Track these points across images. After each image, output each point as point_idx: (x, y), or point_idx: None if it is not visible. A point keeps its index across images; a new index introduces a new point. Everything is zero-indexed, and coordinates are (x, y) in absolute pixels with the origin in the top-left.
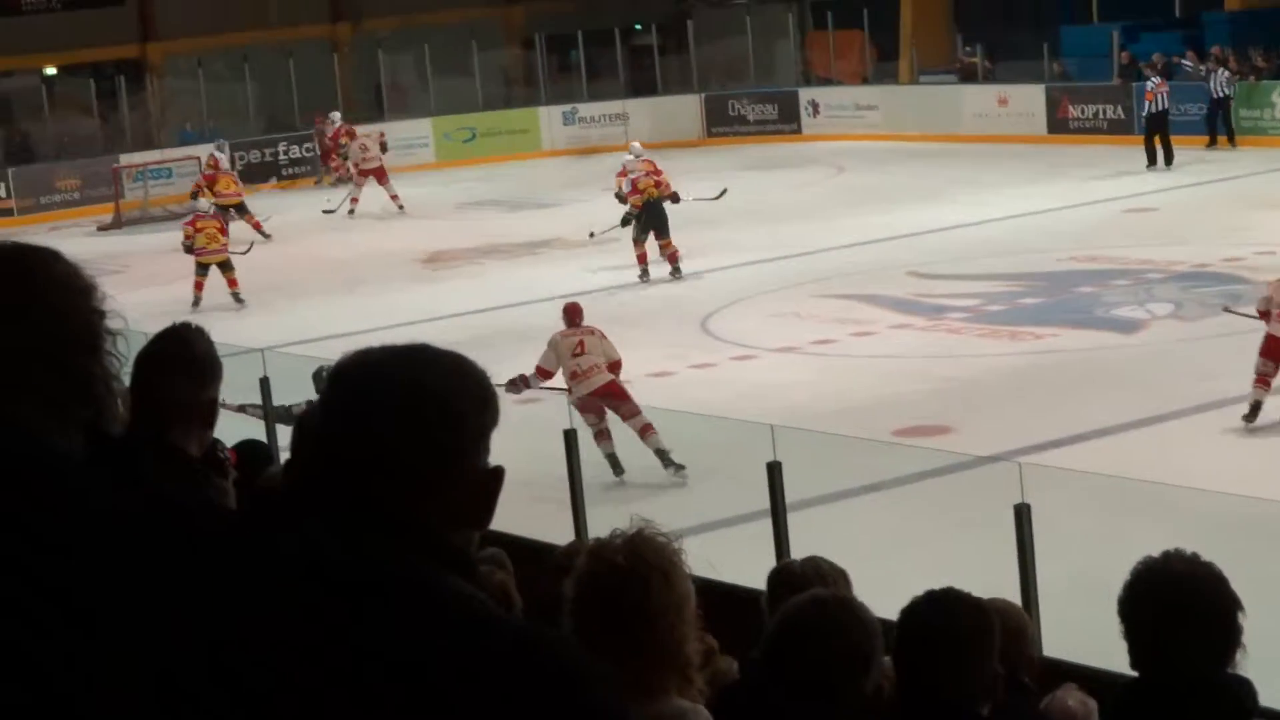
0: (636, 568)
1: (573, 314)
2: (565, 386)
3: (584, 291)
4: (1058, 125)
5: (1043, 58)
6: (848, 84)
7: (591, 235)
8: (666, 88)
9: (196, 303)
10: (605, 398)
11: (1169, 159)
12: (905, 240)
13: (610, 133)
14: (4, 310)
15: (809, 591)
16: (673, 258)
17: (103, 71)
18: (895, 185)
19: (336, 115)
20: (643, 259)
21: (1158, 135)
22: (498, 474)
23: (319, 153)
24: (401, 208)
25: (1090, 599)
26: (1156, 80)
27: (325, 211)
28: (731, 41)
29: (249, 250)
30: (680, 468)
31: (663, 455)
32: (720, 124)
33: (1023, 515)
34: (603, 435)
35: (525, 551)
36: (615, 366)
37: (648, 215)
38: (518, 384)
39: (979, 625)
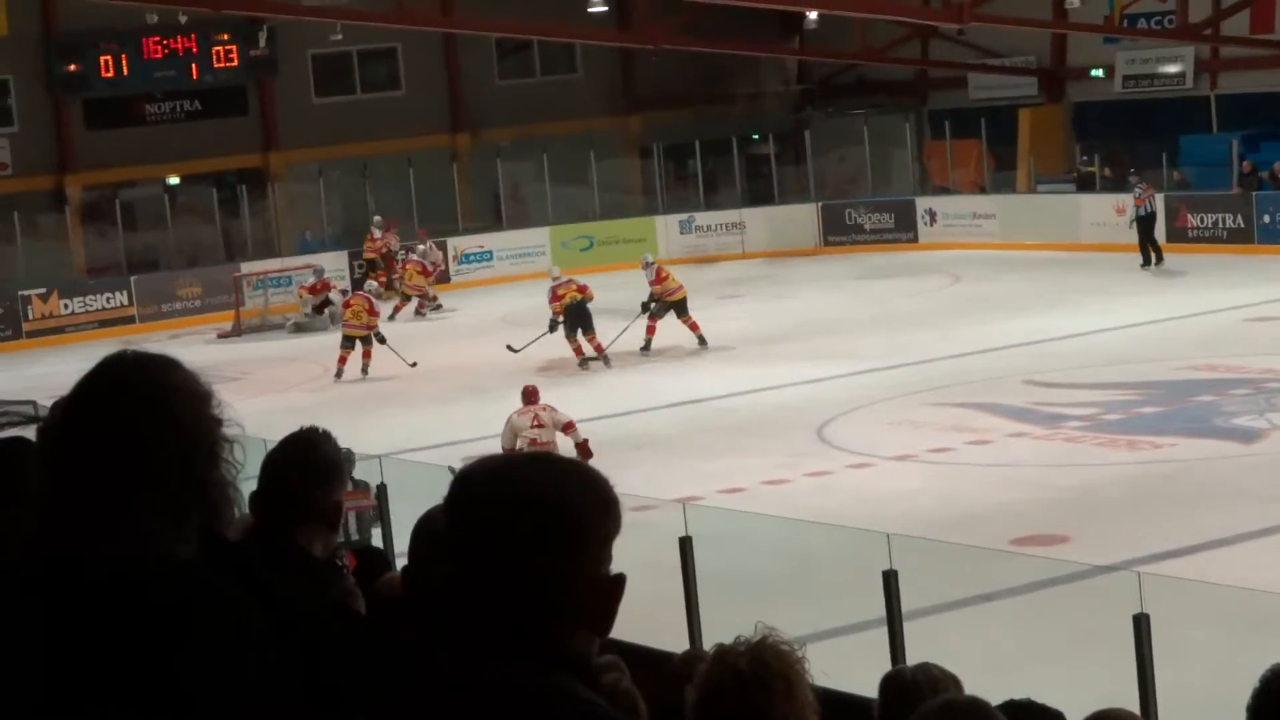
0: (760, 675)
1: (529, 395)
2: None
3: (697, 400)
4: (1177, 234)
5: (1162, 167)
6: (965, 193)
7: (511, 349)
8: (783, 197)
9: (339, 375)
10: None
11: (1159, 258)
12: (1022, 349)
13: (727, 241)
14: (126, 421)
15: (941, 696)
16: (598, 349)
17: (225, 180)
18: (1011, 294)
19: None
20: (578, 352)
21: (1149, 236)
22: (620, 581)
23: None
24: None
25: (1212, 712)
26: (1143, 187)
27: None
28: (848, 151)
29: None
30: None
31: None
32: (837, 233)
33: (1142, 625)
34: None
35: (639, 659)
36: (569, 428)
37: (571, 317)
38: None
39: None
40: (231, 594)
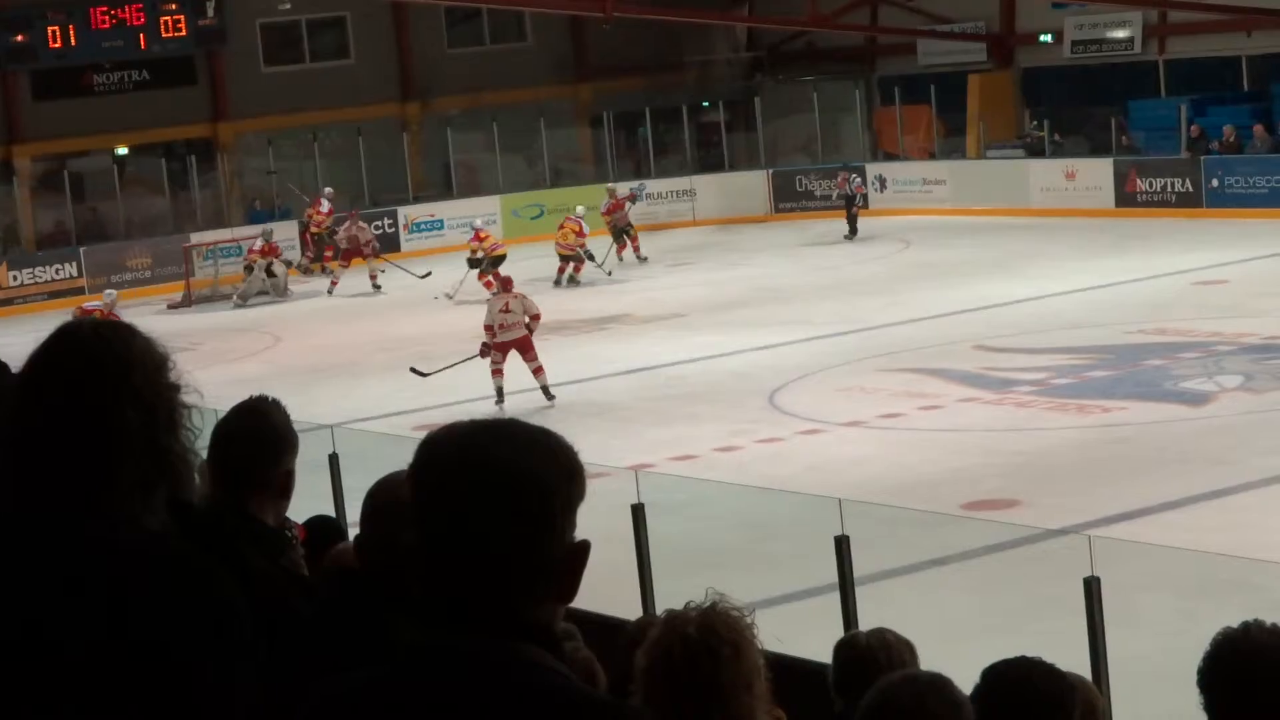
0: (708, 640)
1: (505, 283)
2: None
3: (649, 367)
4: (1125, 199)
5: (1110, 132)
6: (915, 159)
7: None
8: (734, 164)
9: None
10: (517, 347)
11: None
12: (972, 314)
13: (678, 209)
14: (88, 393)
15: (903, 671)
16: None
17: (174, 150)
18: (962, 259)
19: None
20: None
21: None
22: (584, 548)
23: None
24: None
25: (1163, 675)
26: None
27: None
28: (799, 118)
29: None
30: (552, 398)
31: (545, 391)
32: (787, 200)
33: (1093, 589)
34: (498, 372)
35: (592, 627)
36: (535, 318)
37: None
38: (484, 351)
39: (1059, 693)
40: (206, 563)
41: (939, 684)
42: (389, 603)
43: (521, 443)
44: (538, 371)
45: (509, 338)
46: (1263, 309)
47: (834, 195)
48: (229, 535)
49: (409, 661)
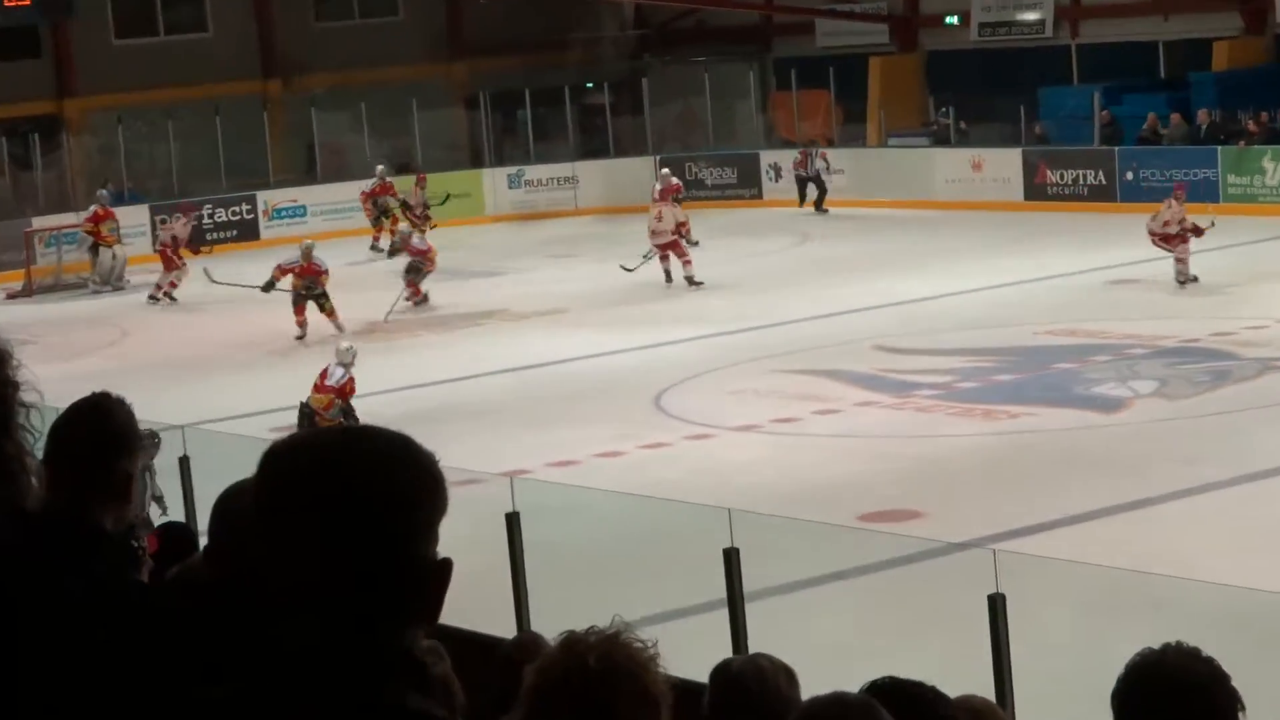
0: (607, 672)
1: (669, 190)
2: None
3: (534, 365)
4: (1035, 191)
5: (1019, 120)
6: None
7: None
8: (619, 150)
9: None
10: (668, 249)
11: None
12: (872, 312)
13: (559, 197)
14: None
15: (832, 692)
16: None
17: (15, 128)
18: (862, 254)
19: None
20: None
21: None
22: (446, 566)
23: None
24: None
25: (1070, 695)
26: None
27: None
28: (689, 101)
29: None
30: (699, 284)
31: (691, 280)
32: None
33: (997, 606)
34: (663, 259)
35: (462, 644)
36: (681, 225)
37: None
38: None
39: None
40: (44, 571)
41: (869, 707)
42: (239, 619)
43: (374, 452)
44: (687, 264)
45: (660, 241)
46: (1179, 310)
47: (796, 177)
48: (67, 543)
49: (252, 690)
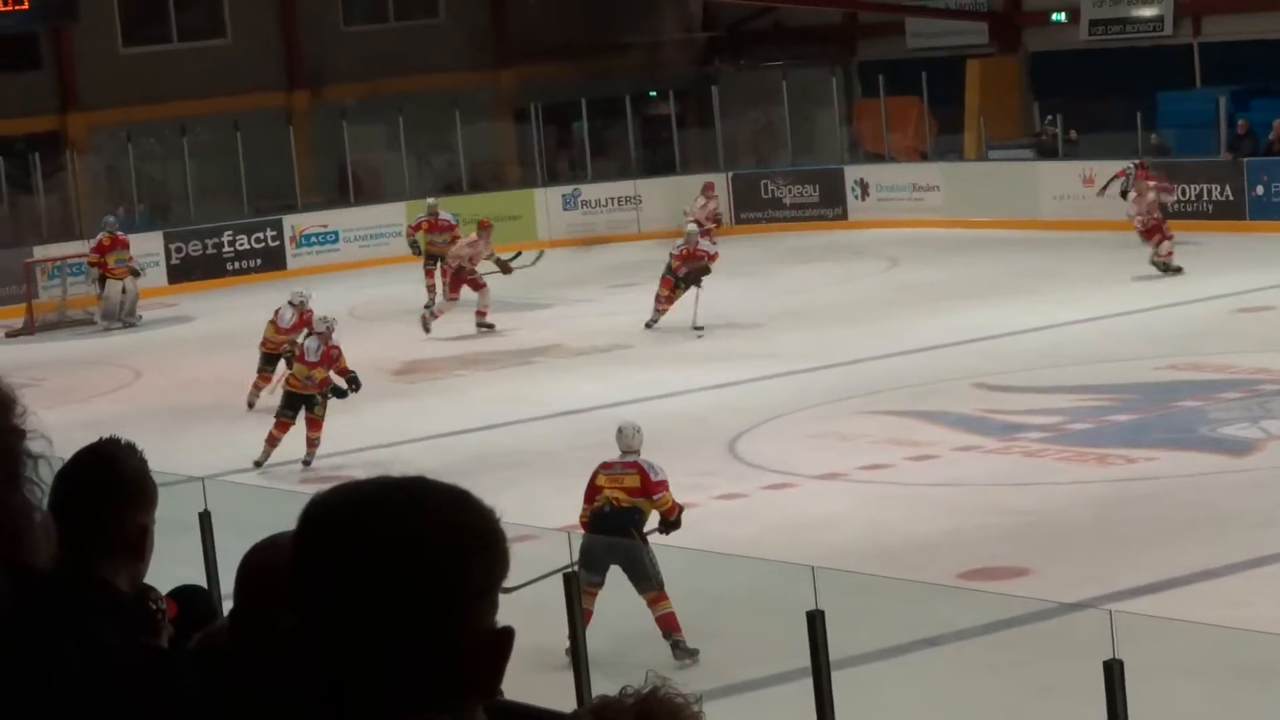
0: None
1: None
2: None
3: (584, 409)
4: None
5: (1136, 129)
6: (903, 161)
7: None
8: (686, 166)
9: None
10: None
11: None
12: (970, 346)
13: (619, 219)
14: None
15: None
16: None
17: (13, 147)
18: (959, 281)
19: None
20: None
21: None
22: (508, 635)
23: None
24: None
25: None
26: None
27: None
28: (764, 111)
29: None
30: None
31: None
32: (750, 208)
33: (1114, 674)
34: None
35: None
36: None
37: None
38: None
39: None
40: (46, 638)
41: None
42: (267, 694)
43: (426, 507)
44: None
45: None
46: None
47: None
48: (71, 606)
49: None
